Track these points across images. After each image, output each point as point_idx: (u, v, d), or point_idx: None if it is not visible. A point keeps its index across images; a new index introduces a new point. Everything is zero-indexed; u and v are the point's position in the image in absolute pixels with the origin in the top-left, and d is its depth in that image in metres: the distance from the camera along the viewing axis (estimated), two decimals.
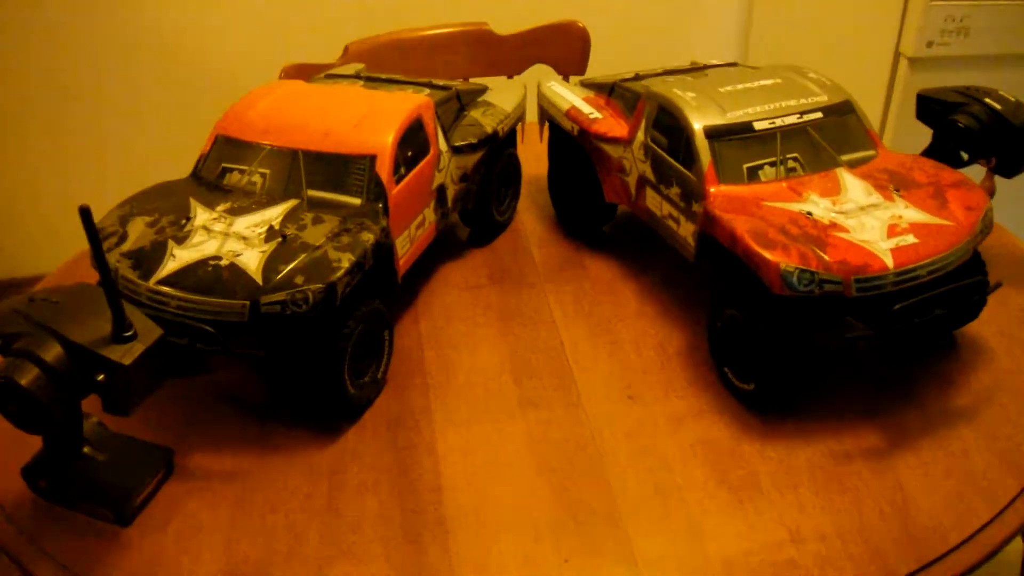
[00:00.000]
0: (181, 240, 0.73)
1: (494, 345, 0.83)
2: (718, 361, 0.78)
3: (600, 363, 0.80)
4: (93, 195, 2.28)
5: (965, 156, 0.87)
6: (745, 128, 0.79)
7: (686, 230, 0.81)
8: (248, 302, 0.67)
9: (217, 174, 0.81)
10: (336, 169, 0.78)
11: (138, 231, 0.75)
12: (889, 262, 0.68)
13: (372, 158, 0.77)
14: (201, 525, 0.65)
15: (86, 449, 0.68)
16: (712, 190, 0.77)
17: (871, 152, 0.82)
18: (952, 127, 0.86)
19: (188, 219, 0.75)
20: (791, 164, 0.79)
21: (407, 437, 0.73)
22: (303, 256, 0.70)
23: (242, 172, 0.80)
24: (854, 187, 0.77)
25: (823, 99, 0.83)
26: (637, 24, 2.01)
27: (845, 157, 0.81)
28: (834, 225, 0.72)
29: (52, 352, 0.57)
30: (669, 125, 0.82)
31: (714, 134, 0.78)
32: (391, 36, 1.30)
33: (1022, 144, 0.83)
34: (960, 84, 0.90)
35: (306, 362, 0.71)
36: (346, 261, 0.70)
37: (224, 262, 0.70)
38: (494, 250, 0.97)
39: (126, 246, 0.73)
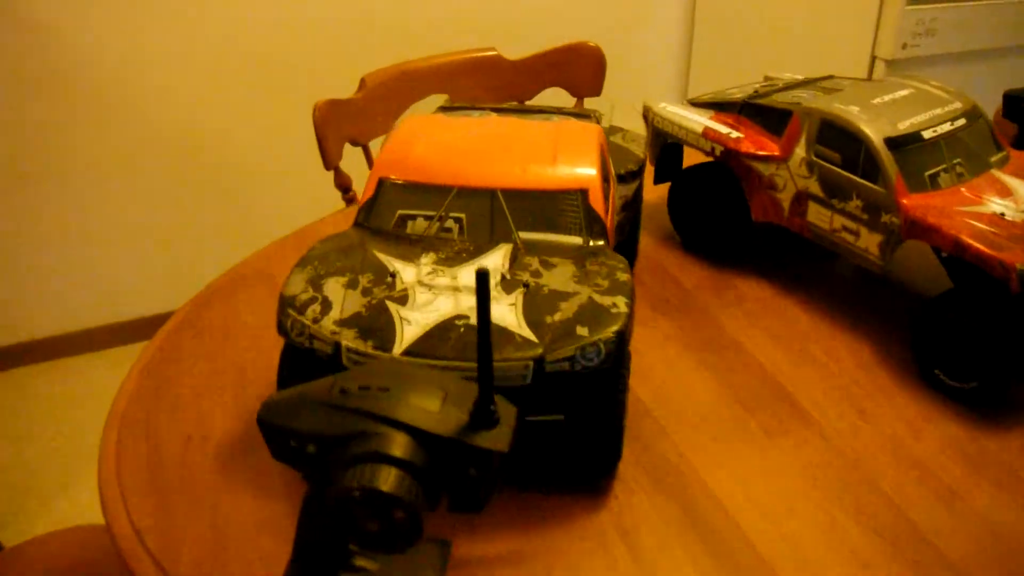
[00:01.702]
0: (402, 301, 0.65)
1: (700, 376, 0.80)
2: (926, 365, 0.79)
3: (812, 382, 0.79)
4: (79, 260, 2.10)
5: None
6: (916, 138, 0.81)
7: (868, 241, 0.82)
8: (531, 362, 0.61)
9: (394, 223, 0.73)
10: (544, 207, 0.72)
11: (341, 295, 0.66)
12: None
13: (584, 193, 0.72)
14: None
15: (358, 561, 0.58)
16: (905, 201, 0.78)
17: (1004, 153, 0.87)
18: None
19: (393, 276, 0.68)
20: (959, 169, 0.82)
21: (674, 483, 0.69)
22: (565, 305, 0.64)
23: (428, 218, 0.73)
24: (1017, 187, 0.81)
25: (959, 106, 0.87)
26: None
27: (991, 159, 0.85)
28: None
29: (408, 449, 0.47)
30: (840, 139, 0.83)
31: (893, 145, 0.80)
32: (405, 66, 1.24)
33: None
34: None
35: (587, 420, 0.65)
36: (623, 305, 0.65)
37: (474, 321, 0.63)
38: (640, 280, 0.94)
39: (336, 314, 0.64)
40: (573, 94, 1.36)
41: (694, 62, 2.26)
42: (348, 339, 0.62)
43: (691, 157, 1.21)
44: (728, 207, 0.95)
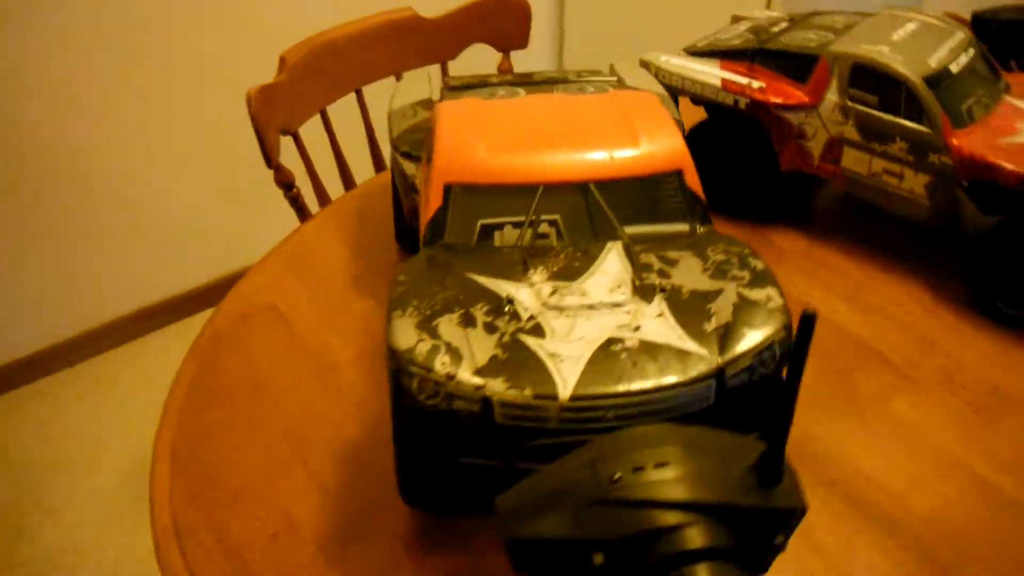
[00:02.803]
0: (537, 332, 0.56)
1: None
2: (987, 296, 0.80)
3: (887, 331, 0.79)
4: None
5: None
6: (948, 73, 0.81)
7: (914, 183, 0.81)
8: (712, 380, 0.55)
9: (477, 235, 0.64)
10: (642, 195, 0.65)
11: (464, 338, 0.56)
12: None
13: (679, 173, 0.66)
14: None
15: None
16: (955, 140, 0.78)
17: (1003, 79, 0.88)
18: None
19: (510, 302, 0.58)
20: (985, 101, 0.82)
21: (812, 463, 0.66)
22: (716, 307, 0.58)
23: (518, 225, 0.64)
24: None
25: (964, 35, 0.87)
26: None
27: (999, 86, 0.86)
28: None
29: (716, 534, 0.40)
30: (876, 82, 0.81)
31: (931, 83, 0.79)
32: (322, 38, 1.09)
33: None
34: None
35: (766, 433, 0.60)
36: (776, 296, 0.59)
37: (630, 342, 0.56)
38: None
39: (470, 362, 0.54)
40: (499, 48, 1.27)
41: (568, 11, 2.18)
42: (499, 391, 0.53)
43: (685, 108, 1.17)
44: (755, 159, 0.91)
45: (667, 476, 0.41)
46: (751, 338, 0.56)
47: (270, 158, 1.01)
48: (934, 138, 0.78)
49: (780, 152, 0.90)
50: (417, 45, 1.18)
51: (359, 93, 1.13)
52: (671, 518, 0.40)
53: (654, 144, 0.66)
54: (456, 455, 0.57)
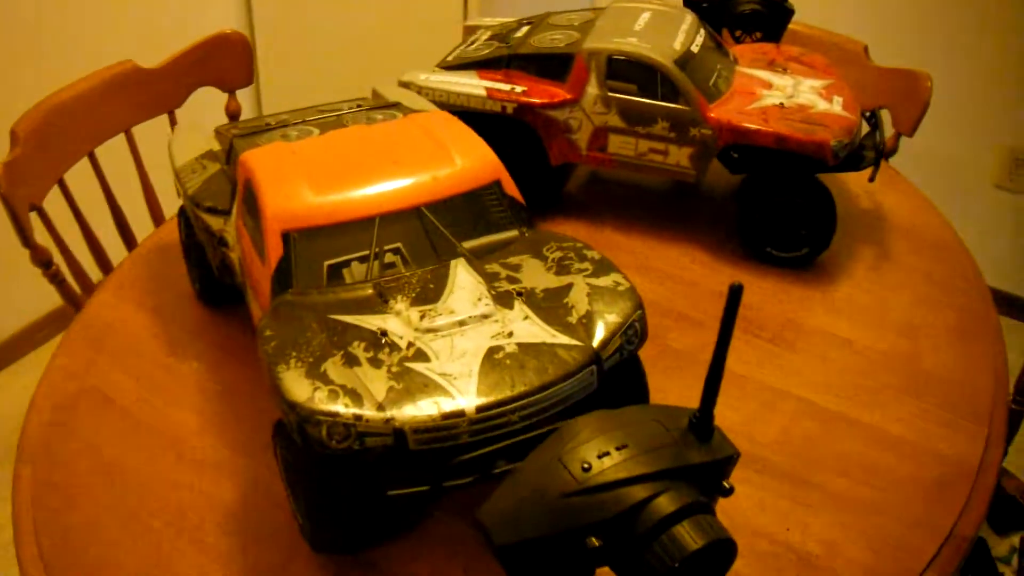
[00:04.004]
0: (421, 358, 0.57)
1: None
2: (757, 245, 0.91)
3: (683, 293, 0.87)
4: None
5: (738, 33, 1.11)
6: (691, 54, 0.90)
7: (678, 156, 0.90)
8: (593, 366, 0.59)
9: (327, 276, 0.63)
10: (469, 210, 0.67)
11: (354, 378, 0.55)
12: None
13: (498, 182, 0.69)
14: None
15: None
16: (712, 114, 0.87)
17: (730, 52, 0.99)
18: (730, 14, 1.08)
19: (384, 335, 0.59)
20: (725, 74, 0.93)
21: None
22: (572, 300, 0.62)
23: (363, 260, 0.64)
24: (769, 77, 0.94)
25: (692, 17, 0.97)
26: None
27: (730, 59, 0.97)
28: (802, 107, 0.89)
29: (685, 494, 0.44)
30: (632, 71, 0.88)
31: (681, 65, 0.88)
32: (50, 102, 1.00)
33: (781, 20, 1.10)
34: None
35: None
36: (622, 279, 0.64)
37: (509, 348, 0.58)
38: None
39: (370, 399, 0.54)
40: (224, 88, 1.22)
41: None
42: (408, 419, 0.54)
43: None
44: (525, 158, 0.96)
45: (628, 455, 0.44)
46: (614, 321, 0.61)
47: (25, 237, 0.91)
48: (693, 114, 0.88)
49: (549, 148, 0.95)
50: (142, 98, 1.11)
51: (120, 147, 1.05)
52: (645, 491, 0.43)
53: (469, 159, 0.69)
54: (382, 489, 0.57)
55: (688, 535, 0.42)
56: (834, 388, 0.76)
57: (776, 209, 0.89)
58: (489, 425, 0.56)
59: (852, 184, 1.06)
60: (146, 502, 0.65)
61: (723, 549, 0.44)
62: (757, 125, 0.86)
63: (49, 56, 1.71)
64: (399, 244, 0.65)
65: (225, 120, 1.37)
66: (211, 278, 0.80)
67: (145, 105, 1.14)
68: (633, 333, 0.61)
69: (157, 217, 1.21)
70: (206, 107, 1.32)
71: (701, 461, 0.45)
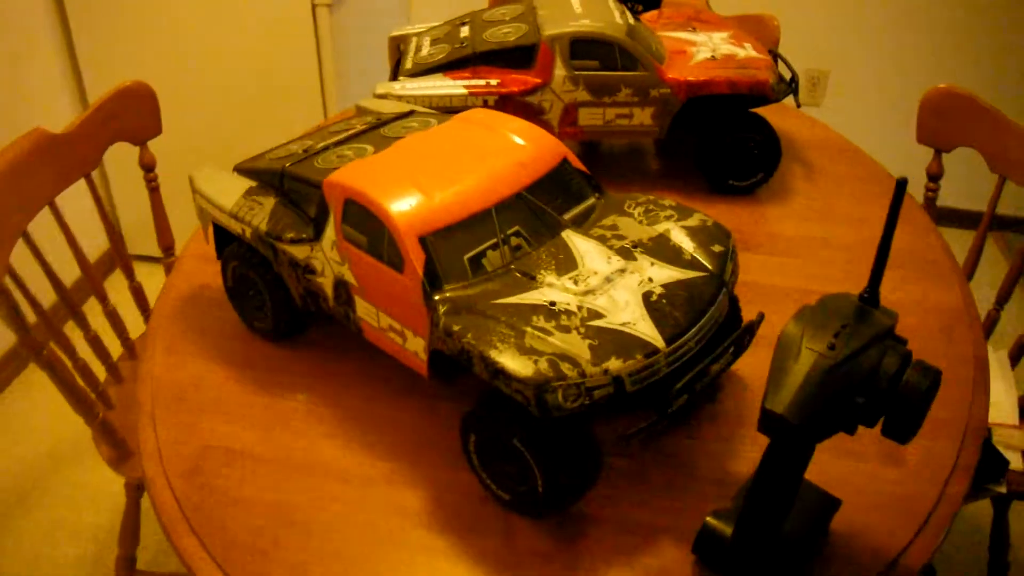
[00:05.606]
0: (597, 316, 0.65)
1: None
2: (720, 180, 1.04)
3: None
4: None
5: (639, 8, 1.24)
6: (632, 27, 1.01)
7: (642, 117, 1.01)
8: (724, 289, 0.69)
9: (470, 269, 0.68)
10: (555, 187, 0.74)
11: (560, 345, 0.62)
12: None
13: (565, 159, 0.76)
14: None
15: None
16: (670, 74, 0.99)
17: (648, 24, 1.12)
18: None
19: (553, 304, 0.66)
20: (656, 40, 1.05)
21: None
22: (676, 242, 0.71)
23: (495, 247, 0.69)
24: (691, 36, 1.08)
25: None
26: None
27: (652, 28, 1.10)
28: (728, 56, 1.03)
29: (903, 349, 0.55)
30: (592, 48, 0.98)
31: (632, 37, 0.99)
32: None
33: None
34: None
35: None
36: (705, 216, 0.75)
37: (657, 290, 0.67)
38: None
39: (582, 361, 0.61)
40: (136, 142, 1.17)
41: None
42: (621, 367, 0.62)
43: None
44: None
45: (851, 331, 0.55)
46: (720, 251, 0.71)
47: None
48: (652, 78, 0.99)
49: None
50: (59, 165, 1.04)
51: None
52: (876, 353, 0.55)
53: (538, 144, 0.76)
54: (624, 434, 0.67)
55: (919, 376, 0.54)
56: (836, 278, 0.91)
57: (733, 145, 1.02)
58: (678, 355, 0.65)
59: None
60: (340, 529, 0.68)
61: (937, 378, 0.56)
62: (710, 76, 0.99)
63: None
64: (518, 227, 0.71)
65: (141, 173, 1.31)
66: (289, 311, 0.81)
67: (63, 172, 1.08)
68: (735, 255, 0.72)
69: (98, 290, 1.16)
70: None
71: (891, 324, 0.57)
